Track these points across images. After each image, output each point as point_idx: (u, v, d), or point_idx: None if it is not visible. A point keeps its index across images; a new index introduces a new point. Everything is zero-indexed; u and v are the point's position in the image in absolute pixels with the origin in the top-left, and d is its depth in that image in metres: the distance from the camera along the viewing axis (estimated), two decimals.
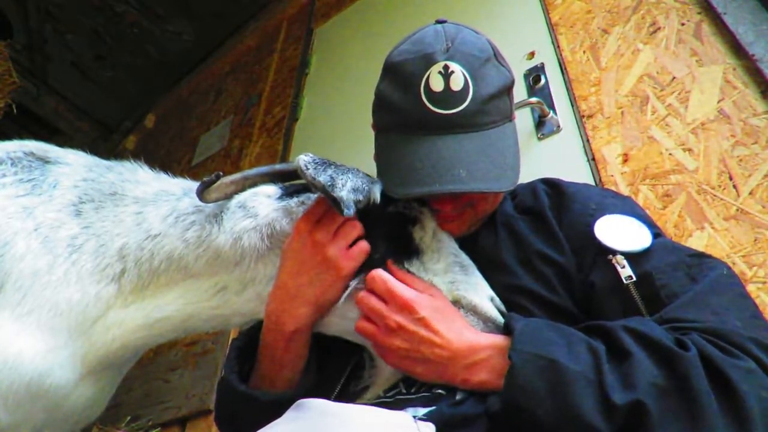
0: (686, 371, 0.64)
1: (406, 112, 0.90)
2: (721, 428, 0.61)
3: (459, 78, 0.87)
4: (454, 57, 0.88)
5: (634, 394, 0.63)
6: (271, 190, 0.94)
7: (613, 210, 0.91)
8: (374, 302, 0.82)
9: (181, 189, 0.98)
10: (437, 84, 0.87)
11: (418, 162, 0.86)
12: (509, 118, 0.95)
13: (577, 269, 0.88)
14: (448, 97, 0.87)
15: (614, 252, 0.83)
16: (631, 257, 0.82)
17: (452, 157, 0.85)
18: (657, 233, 0.87)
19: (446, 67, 0.87)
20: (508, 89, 0.94)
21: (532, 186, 1.06)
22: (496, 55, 0.94)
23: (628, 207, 0.94)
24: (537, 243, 0.93)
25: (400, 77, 0.91)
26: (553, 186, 1.03)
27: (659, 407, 0.63)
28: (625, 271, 0.81)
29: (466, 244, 0.97)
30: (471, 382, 0.76)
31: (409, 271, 0.87)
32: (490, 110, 0.89)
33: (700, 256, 0.83)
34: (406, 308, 0.80)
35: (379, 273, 0.84)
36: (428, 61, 0.88)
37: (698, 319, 0.72)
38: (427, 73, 0.88)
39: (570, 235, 0.92)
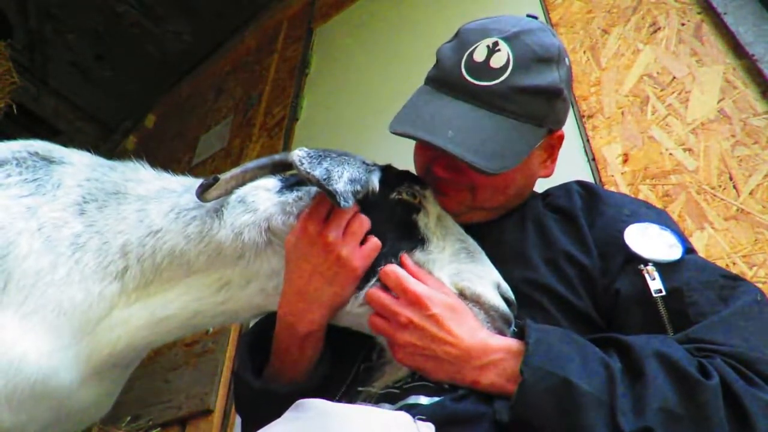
0: (704, 400, 0.63)
1: (444, 71, 0.94)
2: None
3: (502, 57, 0.90)
4: (510, 40, 0.91)
5: (643, 421, 0.63)
6: (271, 183, 0.93)
7: (646, 219, 0.89)
8: (385, 298, 0.82)
9: (182, 186, 0.98)
10: (480, 55, 0.91)
11: (423, 111, 0.91)
12: (540, 123, 0.92)
13: (601, 274, 0.87)
14: (482, 69, 0.90)
15: (643, 260, 0.82)
16: (662, 270, 0.81)
17: (452, 119, 0.88)
18: (690, 249, 0.86)
19: (495, 44, 0.91)
20: (550, 93, 0.92)
21: (566, 186, 1.05)
22: (560, 61, 0.93)
23: (662, 219, 0.92)
24: (565, 243, 0.92)
25: (459, 41, 0.96)
26: (587, 188, 1.02)
27: None
28: (655, 284, 0.80)
29: (493, 235, 0.97)
30: (480, 383, 0.75)
31: (417, 264, 0.86)
32: (517, 100, 0.89)
33: (735, 278, 0.81)
34: (417, 304, 0.79)
35: (392, 268, 0.83)
36: (485, 35, 0.93)
37: (725, 342, 0.71)
38: (477, 44, 0.91)
39: (599, 239, 0.90)
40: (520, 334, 0.78)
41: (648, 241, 0.85)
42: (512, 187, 0.98)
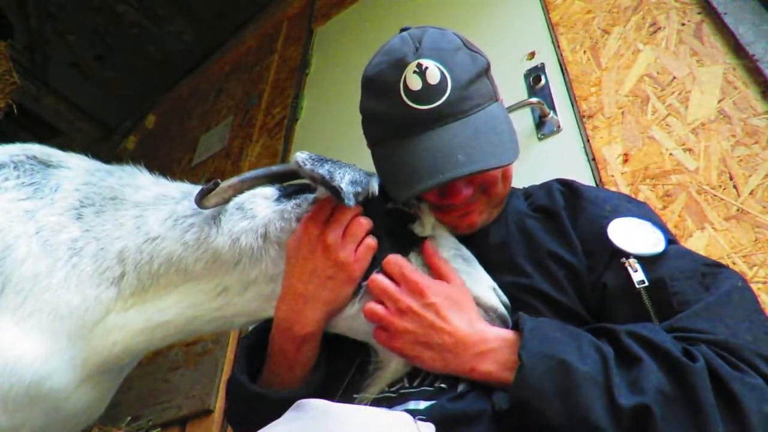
0: (693, 383, 0.64)
1: (393, 118, 0.91)
2: None
3: (434, 72, 0.88)
4: (425, 54, 0.89)
5: (641, 398, 0.64)
6: (269, 191, 0.94)
7: (628, 214, 0.90)
8: (387, 284, 0.83)
9: (180, 192, 0.98)
10: (415, 83, 0.88)
11: (416, 160, 0.87)
12: (494, 98, 0.95)
13: (588, 271, 0.88)
14: (428, 92, 0.88)
15: (627, 254, 0.83)
16: (645, 262, 0.82)
17: (447, 146, 0.86)
18: (672, 240, 0.87)
19: (420, 65, 0.88)
20: (485, 72, 0.95)
21: (547, 186, 1.07)
22: (466, 44, 0.95)
23: (643, 212, 0.94)
24: (549, 243, 0.93)
25: (379, 88, 0.93)
26: (568, 186, 1.03)
27: (664, 414, 0.63)
28: (638, 276, 0.81)
29: (477, 241, 0.97)
30: (478, 371, 0.76)
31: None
32: (472, 95, 0.90)
33: (716, 266, 0.82)
34: (417, 292, 0.81)
35: (394, 257, 0.85)
36: (401, 64, 0.90)
37: (709, 330, 0.72)
38: (403, 76, 0.89)
39: (583, 237, 0.91)
40: (514, 326, 0.80)
41: (631, 236, 0.86)
42: (510, 166, 1.01)
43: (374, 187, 0.83)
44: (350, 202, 0.76)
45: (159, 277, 0.90)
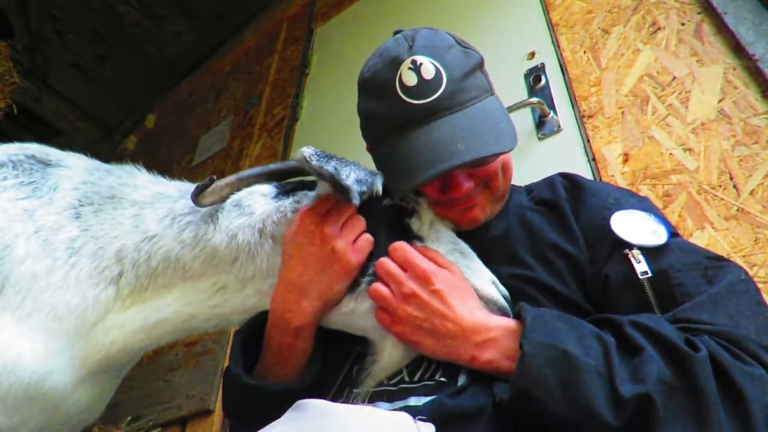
0: (695, 372, 0.65)
1: (391, 116, 0.92)
2: (725, 431, 0.62)
3: (429, 67, 0.89)
4: (418, 51, 0.91)
5: (643, 388, 0.64)
6: (266, 189, 0.94)
7: (630, 206, 0.91)
8: (393, 267, 0.84)
9: (177, 191, 0.98)
10: (410, 79, 0.89)
11: (416, 153, 0.88)
12: (489, 92, 0.96)
13: (590, 262, 0.89)
14: (424, 87, 0.89)
15: (630, 245, 0.84)
16: (648, 253, 0.83)
17: (446, 138, 0.87)
18: (674, 233, 0.88)
19: (414, 61, 0.90)
20: (479, 66, 0.96)
21: (549, 179, 1.07)
22: (458, 41, 0.96)
23: (645, 205, 0.95)
24: (551, 235, 0.93)
25: (375, 88, 0.94)
26: (571, 180, 1.04)
27: (666, 403, 0.63)
28: (641, 267, 0.81)
29: (478, 234, 0.98)
30: (479, 360, 0.76)
31: None
32: (468, 87, 0.91)
33: (719, 259, 0.83)
34: (423, 278, 0.82)
35: (401, 243, 0.86)
36: (396, 62, 0.91)
37: (711, 321, 0.72)
38: (398, 73, 0.90)
39: (586, 228, 0.92)
40: (515, 316, 0.80)
41: (634, 228, 0.86)
42: (509, 159, 1.02)
43: (378, 186, 0.83)
44: (356, 200, 0.77)
45: (157, 276, 0.91)
